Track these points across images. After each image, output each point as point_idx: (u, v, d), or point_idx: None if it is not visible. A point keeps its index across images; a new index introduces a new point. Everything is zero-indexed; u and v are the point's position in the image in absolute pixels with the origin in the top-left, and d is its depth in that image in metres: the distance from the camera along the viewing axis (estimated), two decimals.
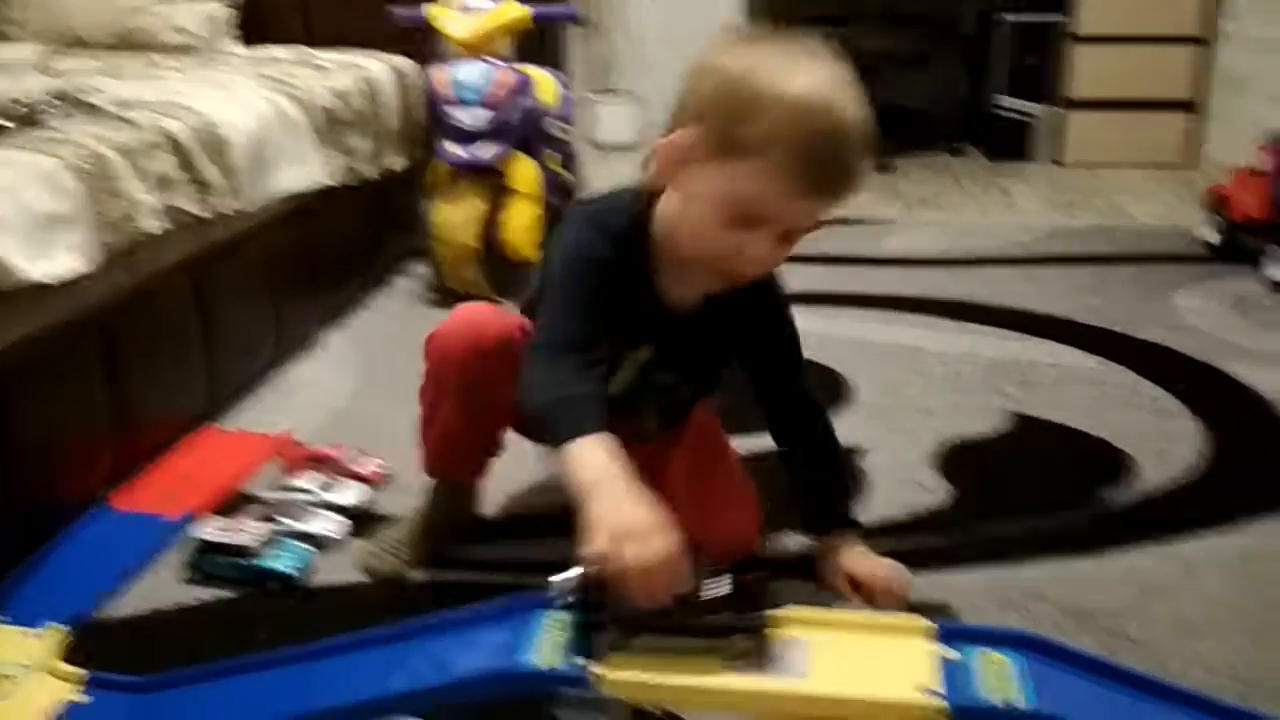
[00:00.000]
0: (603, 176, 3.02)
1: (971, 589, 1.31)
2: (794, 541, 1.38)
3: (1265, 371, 1.95)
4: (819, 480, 1.32)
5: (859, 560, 1.26)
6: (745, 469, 1.37)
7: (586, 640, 0.94)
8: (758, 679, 0.90)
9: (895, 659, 0.91)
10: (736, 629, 0.91)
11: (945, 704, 0.85)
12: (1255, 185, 2.53)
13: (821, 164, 1.02)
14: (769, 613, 0.92)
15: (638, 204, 1.16)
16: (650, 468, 1.32)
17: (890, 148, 3.73)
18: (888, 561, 1.25)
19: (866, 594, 1.23)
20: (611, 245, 1.13)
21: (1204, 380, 1.94)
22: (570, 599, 0.94)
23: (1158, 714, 0.93)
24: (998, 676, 0.91)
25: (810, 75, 1.02)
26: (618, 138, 4.14)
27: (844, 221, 2.79)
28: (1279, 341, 2.11)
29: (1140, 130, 3.71)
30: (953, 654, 0.92)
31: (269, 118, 1.92)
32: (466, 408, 1.32)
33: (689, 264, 1.14)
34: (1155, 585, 1.32)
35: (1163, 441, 1.68)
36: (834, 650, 0.93)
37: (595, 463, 0.98)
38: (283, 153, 1.94)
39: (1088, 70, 3.68)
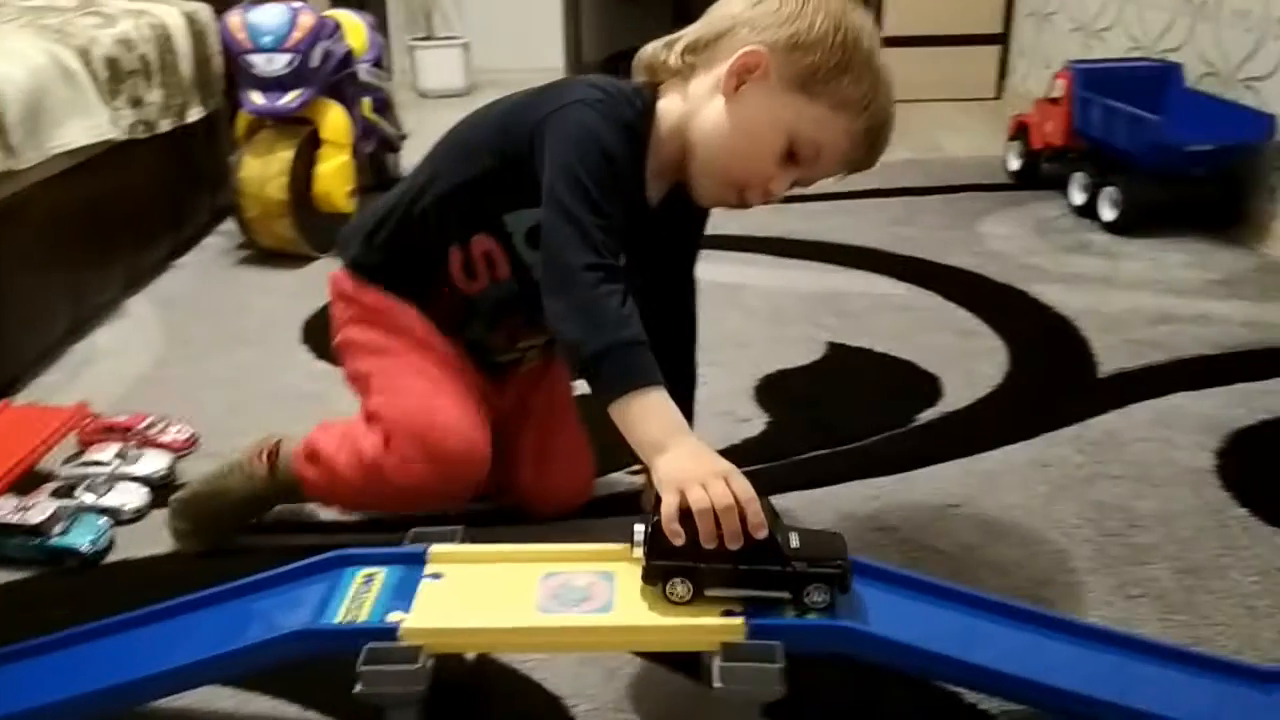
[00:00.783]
0: (427, 124, 2.94)
1: (786, 513, 1.34)
2: (622, 483, 1.41)
3: (1062, 291, 2.05)
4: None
5: None
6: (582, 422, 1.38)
7: (401, 593, 0.93)
8: (564, 616, 0.91)
9: None
10: (810, 578, 0.89)
11: (744, 622, 0.87)
12: (1053, 113, 2.64)
13: (876, 144, 1.09)
14: (841, 561, 0.90)
15: (641, 99, 1.11)
16: (514, 414, 1.33)
17: None
18: None
19: None
20: (622, 139, 1.07)
21: (1007, 301, 2.03)
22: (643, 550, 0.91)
23: (952, 618, 0.98)
24: None
25: (885, 60, 1.07)
26: (442, 84, 4.04)
27: None
28: (1076, 263, 2.22)
29: (953, 65, 3.83)
30: None
31: (45, 70, 1.79)
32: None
33: (702, 173, 1.11)
34: (958, 498, 1.38)
35: (968, 361, 1.76)
36: (637, 583, 0.93)
37: (660, 420, 0.96)
38: (63, 107, 1.82)
39: (900, 8, 3.77)
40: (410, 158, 2.68)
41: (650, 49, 1.14)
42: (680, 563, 0.89)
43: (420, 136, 2.69)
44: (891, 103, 1.08)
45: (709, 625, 0.88)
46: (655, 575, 0.90)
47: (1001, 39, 3.80)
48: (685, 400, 1.29)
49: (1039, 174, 2.72)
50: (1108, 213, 2.39)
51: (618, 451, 1.34)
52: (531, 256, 1.15)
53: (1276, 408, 1.59)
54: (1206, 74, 2.49)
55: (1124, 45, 2.91)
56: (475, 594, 0.95)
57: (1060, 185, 2.59)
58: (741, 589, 0.90)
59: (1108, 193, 2.39)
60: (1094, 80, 2.53)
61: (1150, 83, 2.50)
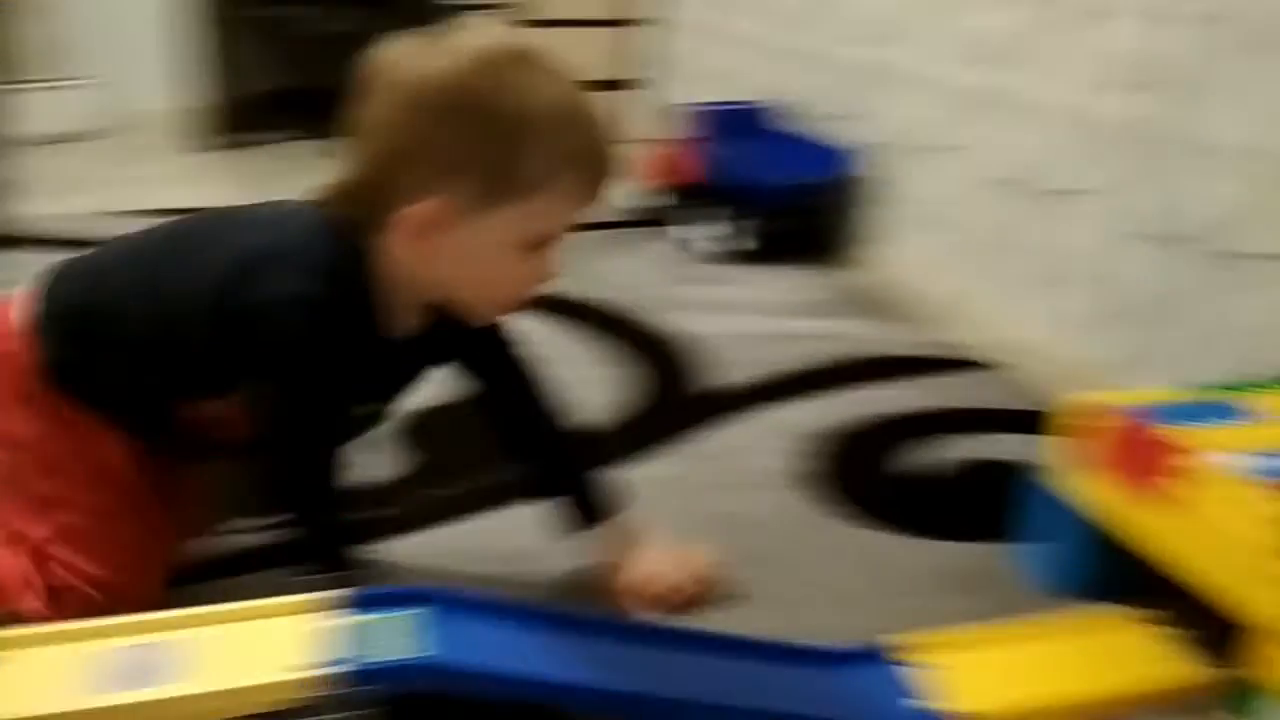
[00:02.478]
0: (46, 172, 2.70)
1: (414, 552, 1.33)
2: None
3: (678, 319, 2.21)
4: (560, 462, 1.28)
5: (650, 568, 1.26)
6: None
7: None
8: (119, 694, 0.84)
9: (283, 641, 0.89)
10: None
11: (324, 674, 0.85)
12: (669, 154, 2.82)
13: (602, 167, 1.01)
14: None
15: (355, 251, 1.02)
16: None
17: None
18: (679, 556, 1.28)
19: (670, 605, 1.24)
20: (326, 283, 1.00)
21: (628, 332, 2.15)
22: None
23: (546, 639, 0.99)
24: (398, 634, 0.91)
25: (547, 78, 0.97)
26: (60, 128, 3.74)
27: None
28: (690, 293, 2.41)
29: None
30: (356, 619, 0.92)
31: None
32: None
33: (469, 310, 1.09)
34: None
35: (595, 391, 1.84)
36: (220, 646, 0.89)
37: None
38: None
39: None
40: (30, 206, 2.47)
41: (330, 196, 1.04)
42: None
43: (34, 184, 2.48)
44: (586, 117, 0.99)
45: (279, 683, 0.85)
46: None
47: (624, 84, 3.98)
48: (562, 438, 1.29)
49: (660, 212, 2.87)
50: (717, 246, 2.60)
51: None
52: None
53: (858, 412, 1.79)
54: (800, 113, 2.73)
55: (737, 88, 3.14)
56: (27, 680, 0.86)
57: (679, 222, 2.77)
58: None
59: (717, 228, 2.60)
60: (700, 122, 2.72)
61: (748, 123, 2.72)
